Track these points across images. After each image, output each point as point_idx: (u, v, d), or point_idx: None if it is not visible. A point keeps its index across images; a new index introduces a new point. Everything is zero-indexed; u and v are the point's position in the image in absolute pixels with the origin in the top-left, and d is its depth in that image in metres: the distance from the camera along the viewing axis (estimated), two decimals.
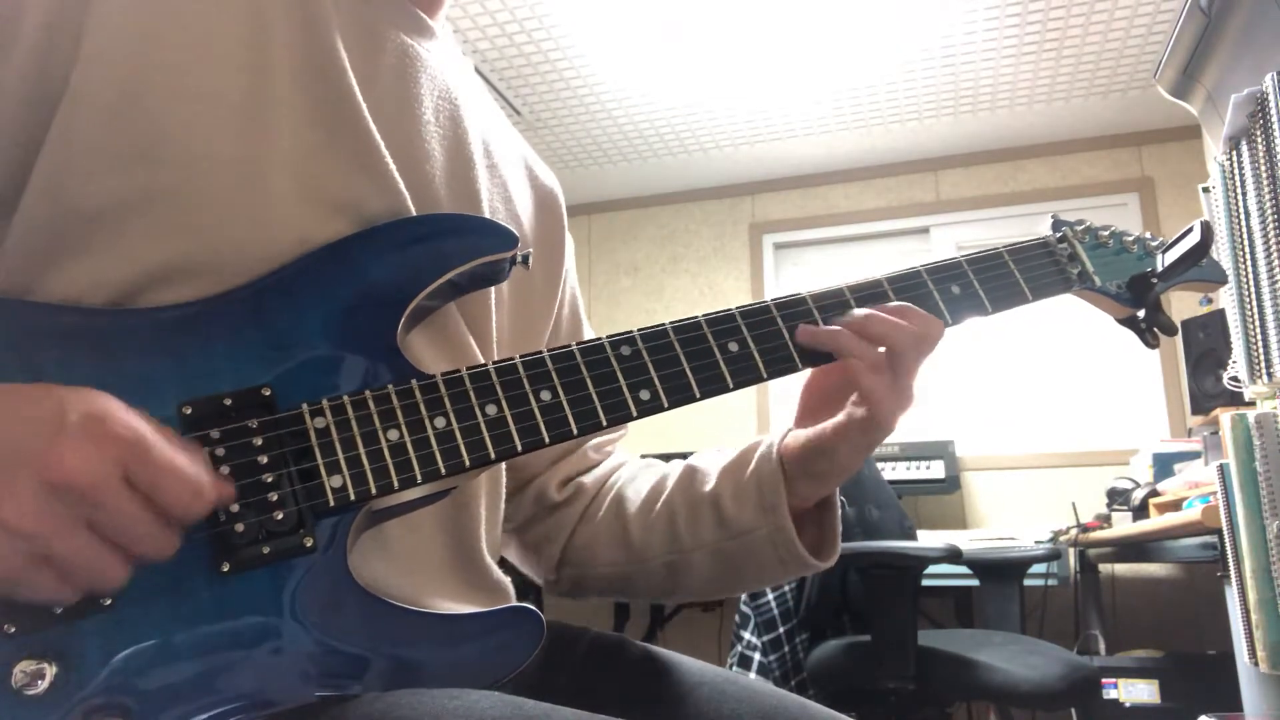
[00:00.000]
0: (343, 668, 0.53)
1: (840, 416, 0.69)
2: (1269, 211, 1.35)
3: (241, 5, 0.60)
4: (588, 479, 0.83)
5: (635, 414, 0.61)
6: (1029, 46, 3.14)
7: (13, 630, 0.47)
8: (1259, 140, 1.39)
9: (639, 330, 0.63)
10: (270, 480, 0.53)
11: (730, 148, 3.86)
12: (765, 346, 0.65)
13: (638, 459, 0.88)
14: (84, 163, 0.55)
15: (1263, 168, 1.37)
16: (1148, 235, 0.81)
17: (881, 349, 0.67)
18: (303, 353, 0.57)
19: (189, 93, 0.57)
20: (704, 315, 0.64)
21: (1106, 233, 0.79)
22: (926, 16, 2.97)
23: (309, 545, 0.53)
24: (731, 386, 0.63)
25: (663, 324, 0.64)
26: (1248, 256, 1.43)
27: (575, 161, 3.97)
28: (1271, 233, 1.35)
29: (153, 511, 0.47)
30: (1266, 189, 1.36)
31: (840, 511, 0.76)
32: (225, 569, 0.51)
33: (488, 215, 0.71)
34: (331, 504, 0.54)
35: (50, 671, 0.47)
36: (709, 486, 0.76)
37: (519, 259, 0.63)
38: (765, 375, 0.64)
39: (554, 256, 0.83)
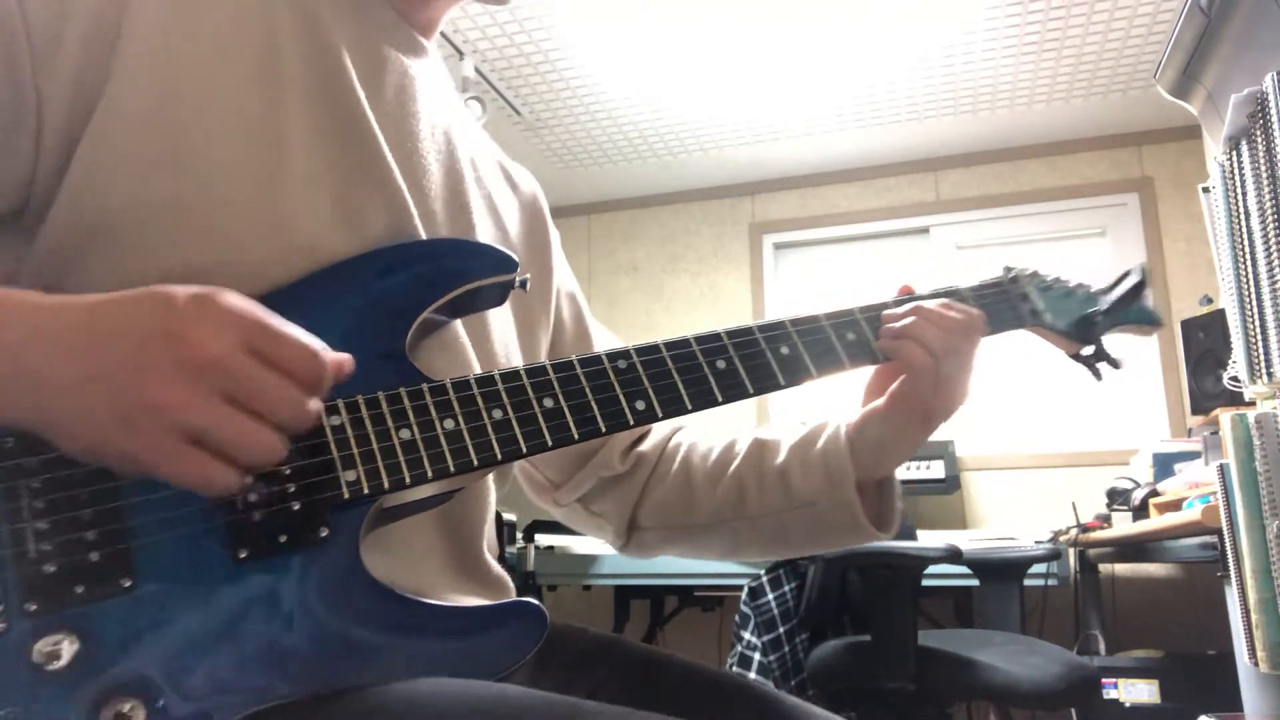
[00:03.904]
0: (353, 656, 0.54)
1: (892, 388, 0.76)
2: (1269, 211, 1.35)
3: (254, 24, 0.64)
4: (645, 447, 0.88)
5: (632, 422, 0.65)
6: (1029, 46, 3.14)
7: (33, 608, 0.49)
8: (1259, 140, 1.39)
9: (634, 346, 0.68)
10: (288, 473, 0.55)
11: (730, 148, 3.86)
12: (750, 365, 0.70)
13: (691, 428, 0.91)
14: (115, 167, 0.58)
15: (1263, 168, 1.37)
16: (1088, 282, 0.90)
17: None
18: None
19: (211, 106, 0.61)
20: (693, 335, 0.69)
21: (1051, 278, 0.88)
22: (926, 17, 2.97)
23: (324, 536, 0.55)
24: (721, 401, 0.68)
25: (655, 342, 0.68)
26: (1248, 256, 1.43)
27: (575, 161, 3.97)
28: (1271, 233, 1.35)
29: (281, 376, 0.49)
30: (1266, 189, 1.36)
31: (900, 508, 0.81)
32: (243, 556, 0.53)
33: (477, 228, 0.75)
34: (346, 496, 0.56)
35: (69, 649, 0.48)
36: (779, 460, 0.81)
37: (517, 283, 0.67)
38: (752, 391, 0.69)
39: (542, 261, 0.86)
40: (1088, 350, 0.86)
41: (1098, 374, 0.87)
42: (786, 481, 0.80)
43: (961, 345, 0.74)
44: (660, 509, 0.86)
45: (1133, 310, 0.87)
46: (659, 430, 0.90)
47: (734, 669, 2.38)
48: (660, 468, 0.87)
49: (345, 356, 0.54)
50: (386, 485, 0.57)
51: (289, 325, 0.50)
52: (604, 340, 0.93)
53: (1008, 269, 0.87)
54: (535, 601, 0.58)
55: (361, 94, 0.67)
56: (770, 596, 2.46)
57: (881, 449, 0.78)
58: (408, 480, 0.57)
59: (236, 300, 0.50)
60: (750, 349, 0.70)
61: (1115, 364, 0.86)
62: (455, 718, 0.51)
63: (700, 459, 0.86)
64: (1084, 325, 0.85)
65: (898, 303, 0.78)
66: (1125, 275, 0.86)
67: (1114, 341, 0.88)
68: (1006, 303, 0.84)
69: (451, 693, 0.53)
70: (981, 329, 0.77)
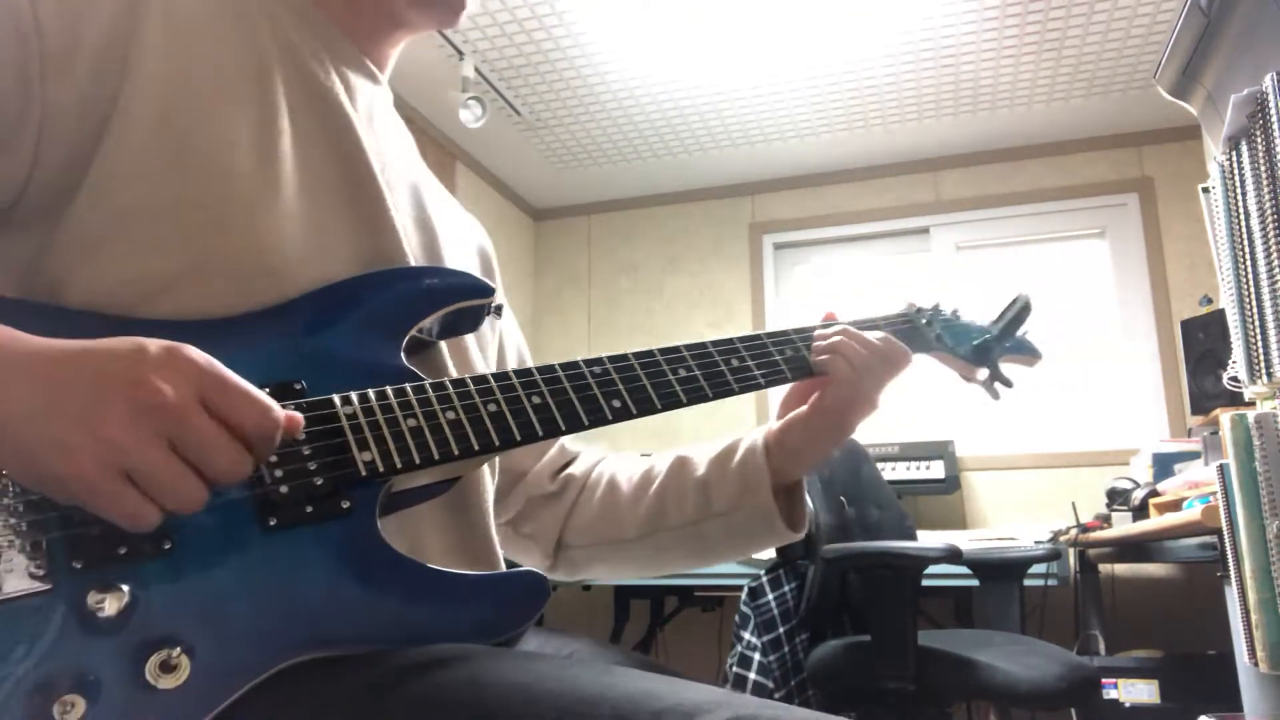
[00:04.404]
0: (372, 618, 0.59)
1: (814, 396, 0.85)
2: (1269, 211, 1.35)
3: (244, 45, 0.71)
4: (575, 470, 0.95)
5: (610, 418, 0.72)
6: (1029, 46, 3.14)
7: (79, 566, 0.52)
8: (1259, 140, 1.38)
9: (606, 355, 0.75)
10: (308, 453, 0.60)
11: (730, 148, 3.86)
12: (707, 373, 0.79)
13: (617, 453, 0.99)
14: (128, 170, 0.63)
15: (1263, 168, 1.37)
16: (976, 318, 1.02)
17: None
18: (325, 359, 0.66)
19: (212, 116, 0.67)
20: (658, 349, 0.78)
21: (950, 311, 1.01)
22: (927, 16, 2.97)
23: (346, 507, 0.60)
24: (685, 402, 0.76)
25: (625, 353, 0.76)
26: (1248, 256, 1.43)
27: (575, 161, 3.97)
28: (1271, 233, 1.35)
29: (228, 432, 0.53)
30: (1266, 189, 1.36)
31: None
32: (272, 524, 0.58)
33: (445, 252, 0.81)
34: (363, 474, 0.61)
35: (115, 603, 0.52)
36: (699, 473, 0.89)
37: (491, 309, 0.76)
38: (710, 395, 0.78)
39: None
40: (984, 374, 0.98)
41: (995, 394, 0.98)
42: (706, 493, 0.88)
43: (877, 364, 0.84)
44: (587, 527, 0.92)
45: (1018, 340, 0.99)
46: (587, 456, 0.98)
47: (734, 669, 2.38)
48: (587, 489, 0.94)
49: (297, 416, 0.57)
50: (399, 465, 0.62)
51: (245, 383, 0.54)
52: None
53: (911, 304, 0.99)
54: (538, 570, 0.63)
55: (350, 109, 0.75)
56: (770, 596, 2.46)
57: (798, 455, 0.86)
58: (417, 460, 0.63)
59: (200, 355, 0.53)
60: (706, 359, 0.79)
61: (1008, 384, 0.98)
62: (472, 663, 0.56)
63: (625, 478, 0.93)
64: (980, 350, 0.97)
65: (825, 326, 0.88)
66: (1012, 303, 0.99)
67: (1008, 369, 0.99)
68: (915, 331, 0.95)
69: (467, 651, 0.59)
70: (898, 355, 0.86)
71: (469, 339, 0.81)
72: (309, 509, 0.59)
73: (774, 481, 0.86)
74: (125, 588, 0.52)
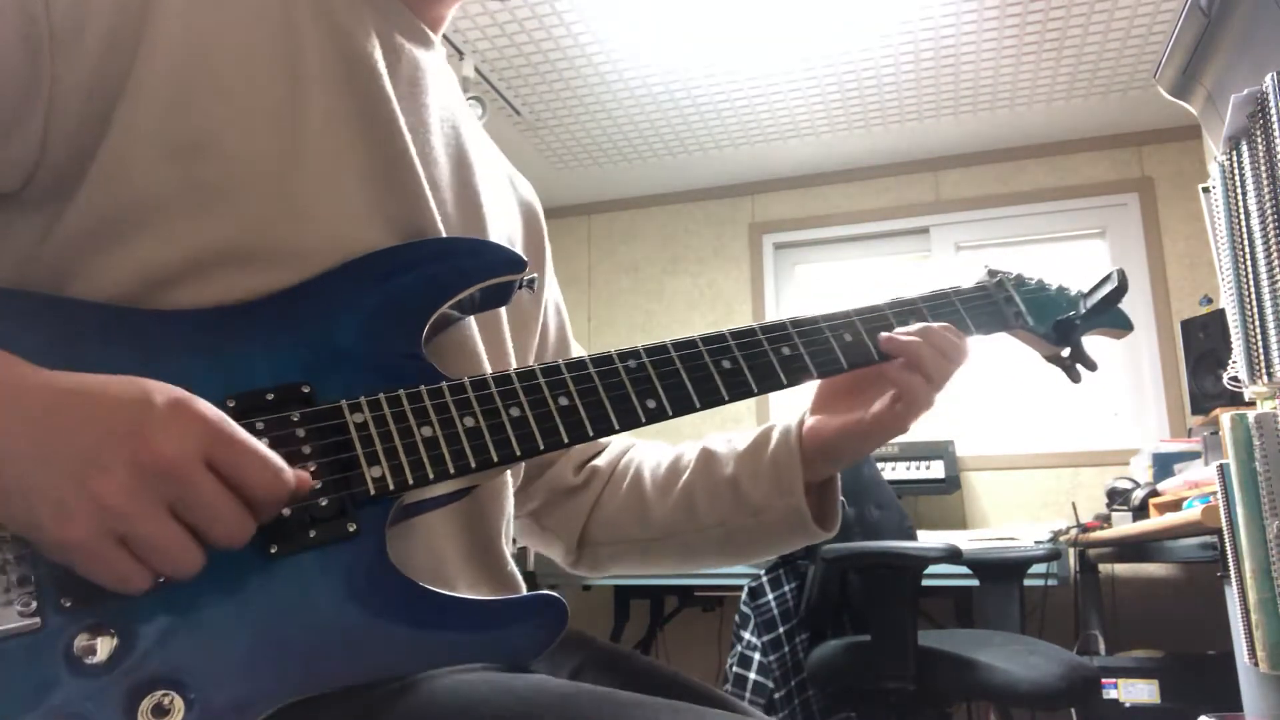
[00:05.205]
0: (383, 648, 0.55)
1: (877, 408, 0.77)
2: (1269, 211, 1.35)
3: (274, 14, 0.66)
4: (601, 462, 0.90)
5: (644, 420, 0.66)
6: (1029, 46, 3.14)
7: (69, 604, 0.49)
8: (1259, 140, 1.38)
9: (643, 346, 0.69)
10: (314, 469, 0.56)
11: (730, 148, 3.86)
12: (754, 364, 0.71)
13: (645, 442, 0.93)
14: (140, 153, 0.59)
15: (1263, 168, 1.37)
16: (1067, 285, 0.91)
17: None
18: (336, 355, 0.61)
19: (230, 96, 0.62)
20: (699, 336, 0.71)
21: (1034, 281, 0.90)
22: (927, 16, 2.97)
23: (352, 530, 0.56)
24: (727, 399, 0.69)
25: (664, 342, 0.70)
26: (1248, 256, 1.43)
27: (575, 161, 3.97)
28: (1271, 233, 1.34)
29: (233, 494, 0.49)
30: (1266, 189, 1.36)
31: (840, 505, 0.83)
32: (274, 551, 0.54)
33: (489, 224, 0.76)
34: (372, 492, 0.57)
35: (106, 644, 0.49)
36: (728, 470, 0.83)
37: (524, 283, 0.69)
38: (756, 390, 0.71)
39: (538, 267, 0.88)
40: (1065, 352, 0.88)
41: (1076, 376, 0.88)
42: (736, 491, 0.82)
43: (953, 373, 0.77)
44: (612, 523, 0.87)
45: (1110, 314, 0.89)
46: (614, 446, 0.92)
47: (734, 669, 2.38)
48: (613, 482, 0.88)
49: (306, 476, 0.53)
50: (411, 481, 0.58)
51: (254, 441, 0.50)
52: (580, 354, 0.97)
53: (992, 272, 0.89)
54: (556, 594, 0.60)
55: (386, 79, 0.69)
56: (770, 596, 2.46)
57: (840, 459, 0.81)
58: (431, 476, 0.58)
59: (208, 409, 0.49)
60: (754, 349, 0.72)
61: (1092, 366, 0.87)
62: (499, 705, 0.53)
63: (651, 472, 0.87)
64: (1064, 327, 0.87)
65: (893, 308, 0.80)
66: (1105, 279, 0.87)
67: (1089, 343, 0.89)
68: (994, 307, 0.85)
69: (491, 682, 0.55)
70: (967, 355, 0.79)
71: (502, 315, 0.76)
72: (312, 533, 0.55)
73: (807, 480, 0.79)
74: (114, 630, 0.50)
